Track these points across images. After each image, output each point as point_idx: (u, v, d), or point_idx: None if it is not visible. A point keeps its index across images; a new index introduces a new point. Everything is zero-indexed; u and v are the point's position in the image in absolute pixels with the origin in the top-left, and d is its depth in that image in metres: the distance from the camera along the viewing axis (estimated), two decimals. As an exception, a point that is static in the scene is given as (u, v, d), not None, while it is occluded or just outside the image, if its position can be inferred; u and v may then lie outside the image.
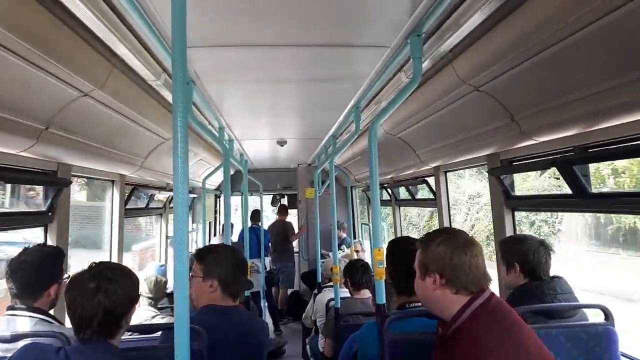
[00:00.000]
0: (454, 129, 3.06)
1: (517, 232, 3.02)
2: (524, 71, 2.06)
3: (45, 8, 1.67)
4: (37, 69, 1.84)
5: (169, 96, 3.01)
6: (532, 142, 2.43)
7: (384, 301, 2.21)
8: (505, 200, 2.97)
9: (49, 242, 2.69)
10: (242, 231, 6.73)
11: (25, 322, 1.88)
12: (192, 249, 5.91)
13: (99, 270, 1.58)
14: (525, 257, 2.26)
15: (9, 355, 1.61)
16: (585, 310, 2.22)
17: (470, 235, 1.70)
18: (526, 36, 1.81)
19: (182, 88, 1.25)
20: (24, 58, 1.74)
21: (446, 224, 3.95)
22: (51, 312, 2.02)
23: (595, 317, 2.17)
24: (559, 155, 2.42)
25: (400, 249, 2.08)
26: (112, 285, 1.54)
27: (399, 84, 2.72)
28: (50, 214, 2.74)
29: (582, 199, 2.32)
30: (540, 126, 2.28)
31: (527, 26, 1.79)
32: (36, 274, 1.94)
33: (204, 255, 2.20)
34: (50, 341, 1.66)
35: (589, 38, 1.65)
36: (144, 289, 3.27)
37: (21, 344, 1.60)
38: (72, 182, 2.86)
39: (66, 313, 1.57)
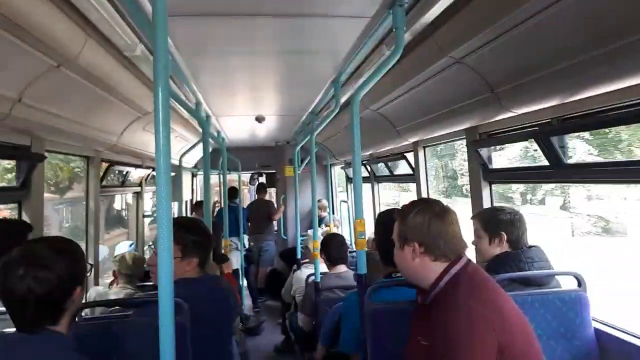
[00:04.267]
0: (434, 103, 3.07)
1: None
2: (504, 43, 2.07)
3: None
4: (9, 36, 1.76)
5: (145, 69, 2.93)
6: (512, 114, 2.46)
7: (365, 271, 2.25)
8: (483, 173, 3.03)
9: (25, 219, 2.63)
10: (221, 209, 6.70)
11: None
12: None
13: (31, 252, 1.40)
14: (512, 226, 2.31)
15: None
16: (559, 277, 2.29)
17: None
18: (507, 7, 1.82)
19: (164, 59, 1.22)
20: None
21: (425, 199, 3.99)
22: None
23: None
24: (537, 127, 2.47)
25: (387, 221, 2.09)
26: (43, 270, 1.36)
27: (379, 56, 2.69)
28: (24, 190, 2.67)
29: (558, 169, 2.38)
30: (519, 99, 2.31)
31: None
32: None
33: (180, 234, 2.07)
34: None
35: (569, 10, 1.67)
36: (121, 266, 3.23)
37: None
38: (46, 157, 2.79)
39: None
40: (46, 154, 2.84)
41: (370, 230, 2.71)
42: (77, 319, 1.95)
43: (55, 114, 2.57)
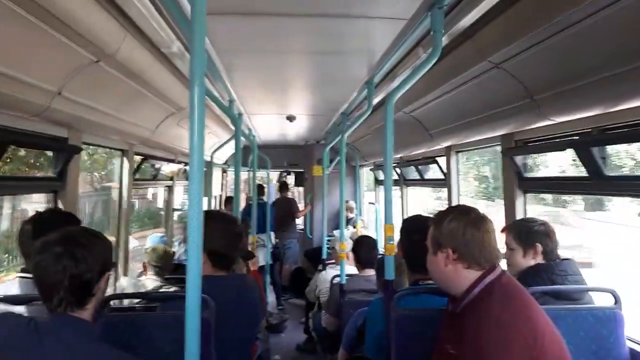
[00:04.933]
0: (469, 108, 3.01)
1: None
2: (546, 49, 2.01)
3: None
4: (52, 31, 1.81)
5: (180, 65, 2.97)
6: (550, 122, 2.39)
7: (393, 277, 2.22)
8: (518, 182, 2.95)
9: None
10: (249, 206, 6.75)
11: None
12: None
13: (69, 234, 1.45)
14: (547, 237, 2.27)
15: None
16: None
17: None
18: (549, 13, 1.77)
19: (201, 56, 1.23)
20: (39, 19, 1.71)
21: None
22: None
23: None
24: (576, 137, 2.39)
25: (414, 226, 2.07)
26: (80, 250, 1.40)
27: (415, 59, 2.66)
28: (61, 180, 2.74)
29: (597, 181, 2.30)
30: (560, 106, 2.24)
31: (550, 2, 1.74)
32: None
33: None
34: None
35: (613, 18, 1.61)
36: (152, 258, 3.29)
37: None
38: (82, 149, 2.85)
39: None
40: (82, 146, 2.90)
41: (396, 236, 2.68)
42: (105, 309, 1.99)
43: (93, 107, 2.63)
